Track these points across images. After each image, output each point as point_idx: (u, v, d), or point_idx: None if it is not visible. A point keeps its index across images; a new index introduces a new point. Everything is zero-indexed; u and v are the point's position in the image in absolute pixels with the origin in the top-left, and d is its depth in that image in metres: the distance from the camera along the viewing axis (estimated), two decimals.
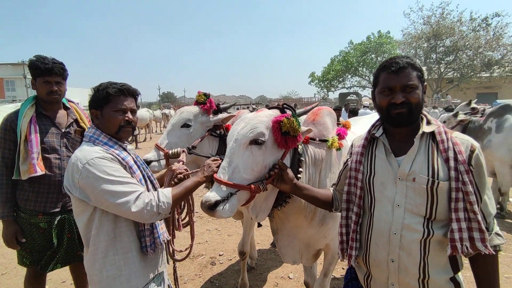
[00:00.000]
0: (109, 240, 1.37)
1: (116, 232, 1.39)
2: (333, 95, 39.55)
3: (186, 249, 1.76)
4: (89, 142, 1.41)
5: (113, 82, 1.48)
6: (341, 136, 1.94)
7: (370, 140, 1.36)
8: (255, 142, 1.49)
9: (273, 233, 1.96)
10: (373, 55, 33.52)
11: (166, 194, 1.41)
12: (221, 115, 2.28)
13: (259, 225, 1.78)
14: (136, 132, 13.92)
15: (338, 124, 2.12)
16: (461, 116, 4.82)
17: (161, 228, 1.54)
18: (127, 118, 1.48)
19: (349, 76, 36.64)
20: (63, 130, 2.12)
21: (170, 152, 2.03)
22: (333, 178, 1.83)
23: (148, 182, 1.53)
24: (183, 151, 2.01)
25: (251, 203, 1.59)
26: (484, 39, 26.86)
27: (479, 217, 1.10)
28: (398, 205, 1.20)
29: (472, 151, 1.15)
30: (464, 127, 4.79)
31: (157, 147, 2.10)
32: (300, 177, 1.66)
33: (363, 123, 2.78)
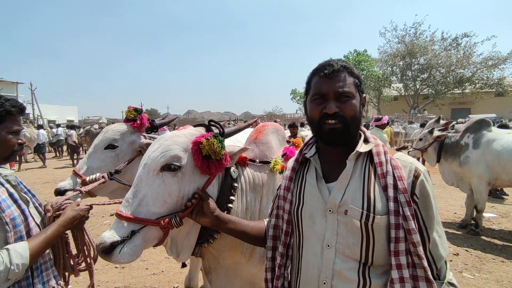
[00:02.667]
0: None
1: None
2: None
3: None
4: None
5: (5, 98, 1.22)
6: (287, 156, 1.68)
7: (303, 162, 1.11)
8: (168, 168, 1.22)
9: (206, 273, 1.65)
10: None
11: (22, 252, 1.09)
12: (143, 140, 1.95)
13: (184, 265, 1.49)
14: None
15: (288, 142, 1.88)
16: (436, 133, 4.71)
17: (46, 276, 1.23)
18: (20, 140, 1.25)
19: None
20: None
21: (87, 178, 1.71)
22: None
23: (30, 219, 1.22)
24: (102, 177, 1.70)
25: (167, 241, 1.31)
26: (455, 57, 28.23)
27: (425, 263, 0.86)
28: (328, 245, 0.95)
29: (416, 177, 0.92)
30: (441, 144, 4.68)
31: (75, 174, 1.78)
32: (231, 207, 1.39)
33: None
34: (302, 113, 40.98)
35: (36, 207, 1.30)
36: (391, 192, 0.89)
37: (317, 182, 1.02)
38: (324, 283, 0.94)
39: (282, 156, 1.67)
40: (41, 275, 1.21)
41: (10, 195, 1.18)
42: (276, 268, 1.06)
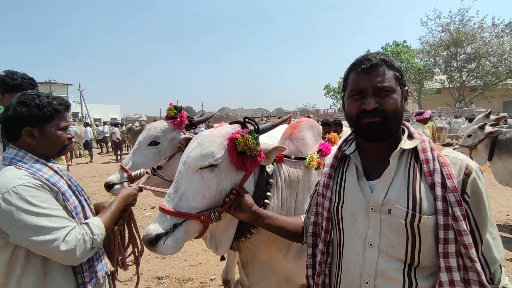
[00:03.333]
0: (38, 279, 1.17)
1: (46, 270, 1.19)
2: None
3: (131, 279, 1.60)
4: (11, 166, 1.21)
5: (48, 95, 1.31)
6: (323, 152, 1.67)
7: (342, 159, 1.09)
8: (206, 164, 1.27)
9: (243, 266, 1.69)
10: None
11: (98, 224, 1.24)
12: (183, 136, 2.04)
13: (222, 258, 1.54)
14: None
15: (323, 138, 1.86)
16: (488, 129, 4.30)
17: (103, 259, 1.36)
18: (69, 135, 1.35)
19: None
20: None
21: (133, 173, 1.83)
22: None
23: (86, 208, 1.35)
24: (147, 172, 1.81)
25: (207, 235, 1.36)
26: (509, 45, 25.68)
27: (478, 266, 0.81)
28: (371, 244, 0.93)
29: (467, 175, 0.86)
30: (493, 141, 4.30)
31: (122, 168, 1.92)
32: (268, 203, 1.41)
33: None
34: (336, 108, 39.91)
35: (85, 200, 1.41)
36: (439, 191, 0.84)
37: (357, 179, 0.99)
38: (367, 283, 0.92)
39: (318, 152, 1.65)
40: (100, 258, 1.33)
41: (69, 186, 1.30)
42: (317, 265, 1.05)
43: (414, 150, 0.94)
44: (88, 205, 1.39)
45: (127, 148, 15.94)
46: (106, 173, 10.14)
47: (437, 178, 0.86)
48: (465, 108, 23.27)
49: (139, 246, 1.60)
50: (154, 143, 2.00)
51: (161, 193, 1.77)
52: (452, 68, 29.22)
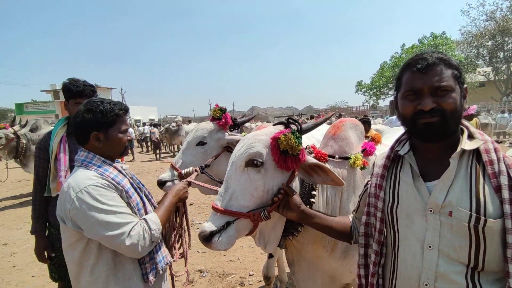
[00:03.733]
0: (110, 269, 1.30)
1: (116, 260, 1.32)
2: (384, 103, 37.42)
3: (182, 274, 1.69)
4: (82, 167, 1.34)
5: (110, 101, 1.42)
6: (367, 152, 1.66)
7: (394, 159, 1.09)
8: (252, 163, 1.32)
9: (289, 264, 1.73)
10: None
11: (155, 220, 1.34)
12: (235, 137, 2.13)
13: (270, 255, 1.58)
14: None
15: (366, 137, 1.85)
16: None
17: (163, 251, 1.46)
18: (129, 137, 1.47)
19: None
20: None
21: (183, 172, 1.95)
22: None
23: (147, 204, 1.46)
24: (195, 170, 1.92)
25: (256, 233, 1.42)
26: None
27: None
28: (430, 246, 0.91)
29: None
30: None
31: (172, 167, 2.05)
32: (314, 202, 1.44)
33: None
34: (368, 105, 38.56)
35: (146, 195, 1.52)
36: (506, 193, 0.82)
37: (413, 180, 0.98)
38: (426, 285, 0.91)
39: (362, 151, 1.66)
40: (160, 250, 1.44)
41: (131, 184, 1.43)
42: (371, 266, 1.06)
43: (476, 151, 0.92)
44: (149, 200, 1.50)
45: (165, 147, 16.62)
46: (147, 170, 10.70)
47: (504, 180, 0.84)
48: None
49: (188, 240, 1.71)
50: (201, 143, 2.10)
51: (208, 189, 1.87)
52: (498, 60, 27.00)
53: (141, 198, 1.43)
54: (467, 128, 0.98)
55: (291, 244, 1.62)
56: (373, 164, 1.21)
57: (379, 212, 1.05)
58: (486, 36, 26.30)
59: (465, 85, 0.99)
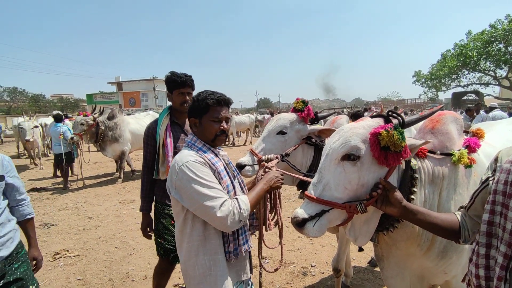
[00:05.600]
0: (200, 240, 1.44)
1: (206, 234, 1.45)
2: (444, 95, 34.19)
3: (276, 247, 1.81)
4: (188, 147, 1.52)
5: (211, 92, 1.54)
6: (471, 148, 1.55)
7: None
8: (348, 157, 1.31)
9: (378, 259, 1.71)
10: (500, 45, 27.44)
11: (245, 201, 1.43)
12: (318, 126, 2.15)
13: (360, 249, 1.57)
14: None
15: (466, 132, 1.72)
16: None
17: (247, 236, 1.55)
18: (222, 127, 1.54)
19: (466, 73, 31.01)
20: None
21: (263, 157, 2.01)
22: (459, 201, 1.48)
23: (238, 187, 1.56)
24: (276, 158, 1.97)
25: (348, 225, 1.42)
26: None
27: None
28: None
29: None
30: None
31: (252, 152, 2.12)
32: (413, 198, 1.39)
33: (499, 130, 2.21)
34: (426, 97, 35.52)
35: (239, 183, 1.61)
36: None
37: None
38: None
39: (465, 147, 1.55)
40: (244, 234, 1.53)
41: (224, 167, 1.53)
42: (497, 269, 1.00)
43: None
44: (242, 188, 1.59)
45: None
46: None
47: None
48: None
49: (281, 224, 1.75)
50: (282, 132, 2.14)
51: (287, 179, 1.90)
52: None
53: (232, 182, 1.53)
54: None
55: (383, 239, 1.59)
56: (495, 159, 1.12)
57: (511, 212, 0.98)
58: None
59: None
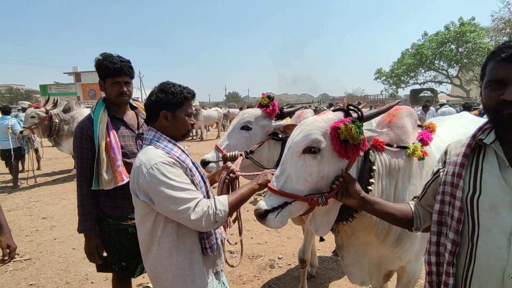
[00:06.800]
0: (173, 241, 1.39)
1: (179, 234, 1.40)
2: (403, 92, 36.38)
3: (236, 243, 1.83)
4: (151, 145, 1.42)
5: (181, 85, 1.49)
6: (424, 141, 1.64)
7: (475, 148, 1.07)
8: (309, 150, 1.33)
9: (338, 248, 1.77)
10: (452, 46, 29.70)
11: (223, 201, 1.39)
12: (283, 122, 2.15)
13: (321, 239, 1.61)
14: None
15: (420, 126, 1.82)
16: None
17: (219, 229, 1.54)
18: (192, 121, 1.52)
19: (423, 71, 33.22)
20: (136, 132, 1.99)
21: (228, 154, 1.99)
22: (413, 191, 1.56)
23: (207, 183, 1.52)
24: (241, 155, 1.95)
25: (309, 216, 1.46)
26: None
27: None
28: None
29: None
30: None
31: (217, 148, 2.09)
32: (371, 190, 1.44)
33: (449, 125, 2.38)
34: (387, 94, 37.50)
35: (203, 176, 1.56)
36: None
37: (500, 171, 0.97)
38: (511, 277, 0.91)
39: (419, 141, 1.64)
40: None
41: (193, 163, 1.48)
42: (446, 254, 1.06)
43: None
44: (204, 182, 1.54)
45: None
46: None
47: None
48: None
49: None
50: (246, 128, 2.12)
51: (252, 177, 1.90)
52: None
53: (202, 177, 1.49)
54: None
55: (343, 229, 1.64)
56: (445, 152, 1.19)
57: (458, 201, 1.04)
58: None
59: None
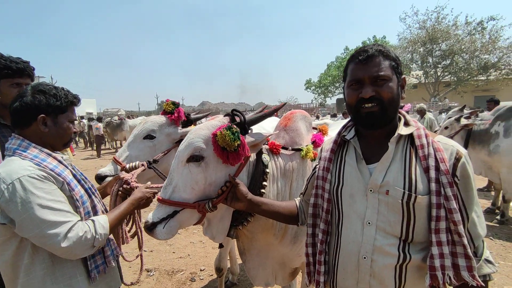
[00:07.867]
0: (47, 267, 1.18)
1: (54, 258, 1.19)
2: (331, 101, 39.72)
3: (134, 260, 1.70)
4: (15, 156, 1.18)
5: (65, 89, 1.34)
6: (316, 143, 1.73)
7: (341, 144, 1.16)
8: (193, 158, 1.31)
9: (240, 253, 1.75)
10: None
11: (103, 224, 1.24)
12: (190, 128, 2.07)
13: (221, 245, 1.56)
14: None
15: (314, 129, 1.92)
16: (464, 121, 4.55)
17: (113, 244, 1.39)
18: (75, 129, 1.38)
19: None
20: None
21: (127, 166, 1.83)
22: None
23: (93, 196, 1.35)
24: (142, 165, 1.81)
25: (204, 223, 1.42)
26: (480, 42, 26.86)
27: (465, 240, 0.91)
28: (369, 223, 1.00)
29: (457, 159, 0.95)
30: (468, 132, 4.54)
31: (115, 161, 1.90)
32: (264, 192, 1.46)
33: (339, 126, 2.59)
34: (317, 103, 40.47)
35: (90, 188, 1.39)
36: (432, 173, 0.93)
37: (357, 163, 1.06)
38: (364, 258, 1.00)
39: (312, 143, 1.72)
40: (109, 243, 1.35)
41: (74, 175, 1.30)
42: (318, 244, 1.12)
43: (410, 136, 1.02)
44: (93, 193, 1.38)
45: (105, 143, 15.46)
46: (85, 168, 9.78)
47: (431, 162, 0.94)
48: (440, 103, 24.21)
49: (141, 236, 1.64)
50: (150, 136, 1.98)
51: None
52: (428, 64, 30.23)
53: (86, 190, 1.32)
54: (404, 116, 1.08)
55: (243, 234, 1.63)
56: (321, 149, 1.27)
57: (326, 193, 1.11)
58: (419, 43, 29.18)
59: (403, 76, 1.08)
